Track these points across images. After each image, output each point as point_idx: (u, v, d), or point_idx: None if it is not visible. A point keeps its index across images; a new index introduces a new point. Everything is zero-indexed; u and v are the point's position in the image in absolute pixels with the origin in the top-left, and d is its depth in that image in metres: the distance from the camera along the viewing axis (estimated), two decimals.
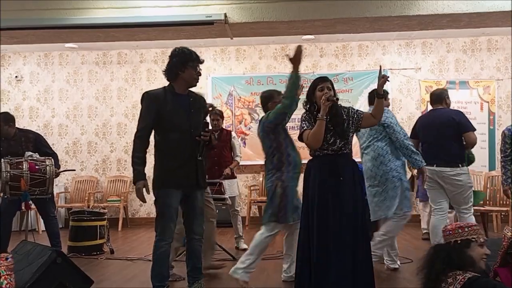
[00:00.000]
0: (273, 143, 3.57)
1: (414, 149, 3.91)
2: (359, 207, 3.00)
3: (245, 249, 5.25)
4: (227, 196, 4.99)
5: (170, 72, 3.17)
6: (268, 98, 3.81)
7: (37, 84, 8.03)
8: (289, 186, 3.50)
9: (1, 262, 2.72)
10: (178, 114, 3.12)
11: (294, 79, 3.31)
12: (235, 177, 5.46)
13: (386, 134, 3.94)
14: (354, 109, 3.18)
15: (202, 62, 3.20)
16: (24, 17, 5.56)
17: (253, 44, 7.73)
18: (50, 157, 4.69)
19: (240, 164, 5.81)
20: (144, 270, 4.10)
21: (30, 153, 4.55)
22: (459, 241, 2.25)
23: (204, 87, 7.84)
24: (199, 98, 3.32)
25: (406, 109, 7.66)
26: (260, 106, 3.94)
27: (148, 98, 3.15)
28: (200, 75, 3.20)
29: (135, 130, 3.16)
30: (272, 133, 3.56)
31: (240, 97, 7.73)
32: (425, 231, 5.75)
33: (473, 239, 2.25)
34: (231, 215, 5.42)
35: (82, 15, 5.60)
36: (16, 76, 8.00)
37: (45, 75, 8.03)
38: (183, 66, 3.12)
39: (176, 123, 3.11)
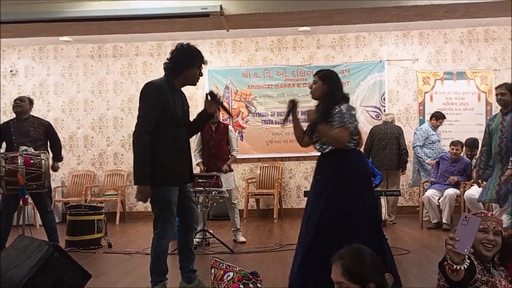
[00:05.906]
0: None
1: None
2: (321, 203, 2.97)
3: (243, 242, 5.28)
4: (224, 189, 4.99)
5: (176, 66, 3.04)
6: None
7: (32, 78, 7.97)
8: None
9: None
10: (177, 110, 3.06)
11: None
12: (232, 170, 5.45)
13: None
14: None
15: (206, 63, 3.17)
16: (17, 11, 5.50)
17: (249, 36, 7.68)
18: (45, 151, 4.69)
19: (237, 157, 5.80)
20: (142, 263, 4.09)
21: (25, 147, 4.53)
22: None
23: (200, 80, 7.80)
24: (186, 97, 3.27)
25: (404, 101, 7.63)
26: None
27: (155, 89, 2.97)
28: (201, 75, 3.17)
29: (137, 124, 2.94)
30: None
31: (237, 90, 7.69)
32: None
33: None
34: (228, 208, 5.40)
35: (76, 7, 5.55)
36: (11, 70, 7.93)
37: (40, 69, 7.97)
38: (191, 63, 3.05)
39: (177, 119, 3.05)
